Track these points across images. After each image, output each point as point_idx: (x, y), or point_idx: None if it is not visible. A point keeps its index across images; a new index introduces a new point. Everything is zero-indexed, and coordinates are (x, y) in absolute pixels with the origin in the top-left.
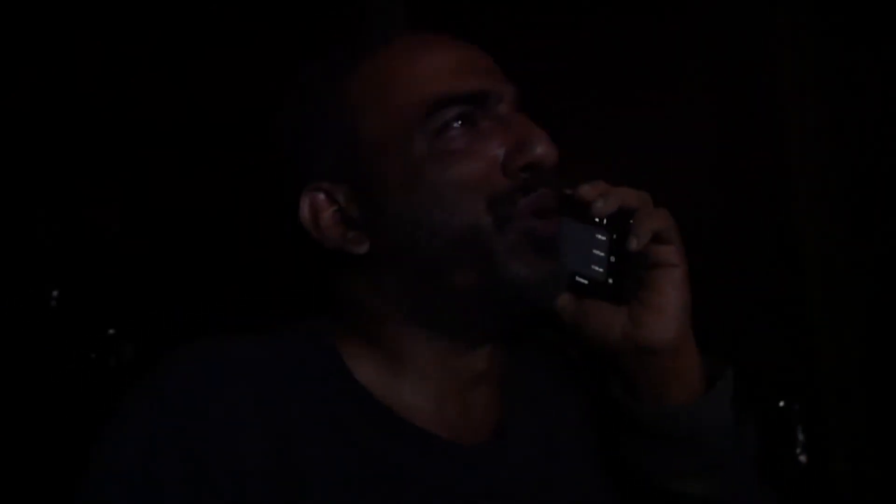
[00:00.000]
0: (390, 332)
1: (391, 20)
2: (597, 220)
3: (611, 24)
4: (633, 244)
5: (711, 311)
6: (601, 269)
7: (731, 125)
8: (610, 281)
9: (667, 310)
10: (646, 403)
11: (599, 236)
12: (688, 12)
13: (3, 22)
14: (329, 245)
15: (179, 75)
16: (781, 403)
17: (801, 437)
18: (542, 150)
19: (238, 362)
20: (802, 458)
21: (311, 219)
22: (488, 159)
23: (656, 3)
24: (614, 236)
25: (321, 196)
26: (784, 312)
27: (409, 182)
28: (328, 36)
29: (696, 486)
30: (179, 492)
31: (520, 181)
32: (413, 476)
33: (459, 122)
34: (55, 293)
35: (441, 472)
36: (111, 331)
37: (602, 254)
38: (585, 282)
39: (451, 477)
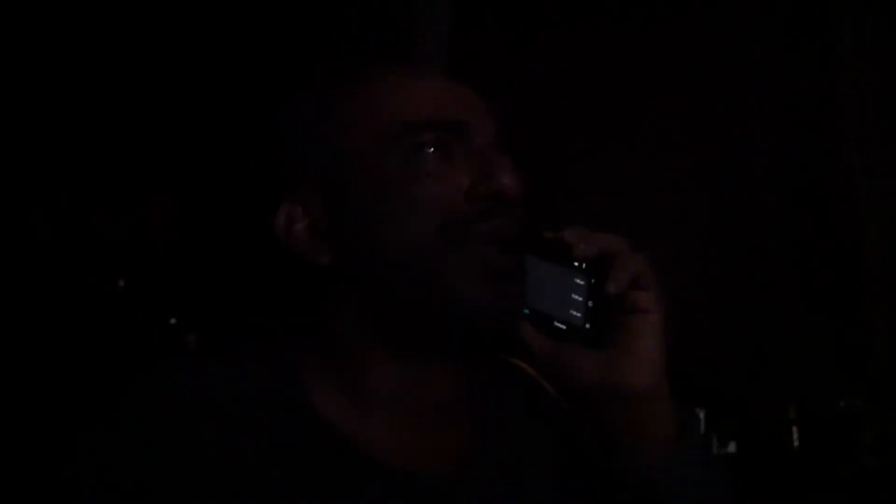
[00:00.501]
0: (353, 353)
1: (437, 22)
2: (576, 264)
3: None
4: (612, 288)
5: (774, 313)
6: (579, 314)
7: (793, 126)
8: (587, 326)
9: (644, 355)
10: (621, 450)
11: (578, 281)
12: (749, 15)
13: (3, 22)
14: (296, 253)
15: (179, 75)
16: (841, 403)
17: (866, 438)
18: (506, 180)
19: (201, 394)
20: (869, 461)
21: (284, 227)
22: (453, 185)
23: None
24: (593, 280)
25: (298, 207)
26: (845, 312)
27: (374, 196)
28: (325, 63)
29: None
30: None
31: (480, 208)
32: None
33: (433, 148)
34: (121, 283)
35: None
36: (173, 321)
37: (580, 298)
38: (563, 327)
39: None
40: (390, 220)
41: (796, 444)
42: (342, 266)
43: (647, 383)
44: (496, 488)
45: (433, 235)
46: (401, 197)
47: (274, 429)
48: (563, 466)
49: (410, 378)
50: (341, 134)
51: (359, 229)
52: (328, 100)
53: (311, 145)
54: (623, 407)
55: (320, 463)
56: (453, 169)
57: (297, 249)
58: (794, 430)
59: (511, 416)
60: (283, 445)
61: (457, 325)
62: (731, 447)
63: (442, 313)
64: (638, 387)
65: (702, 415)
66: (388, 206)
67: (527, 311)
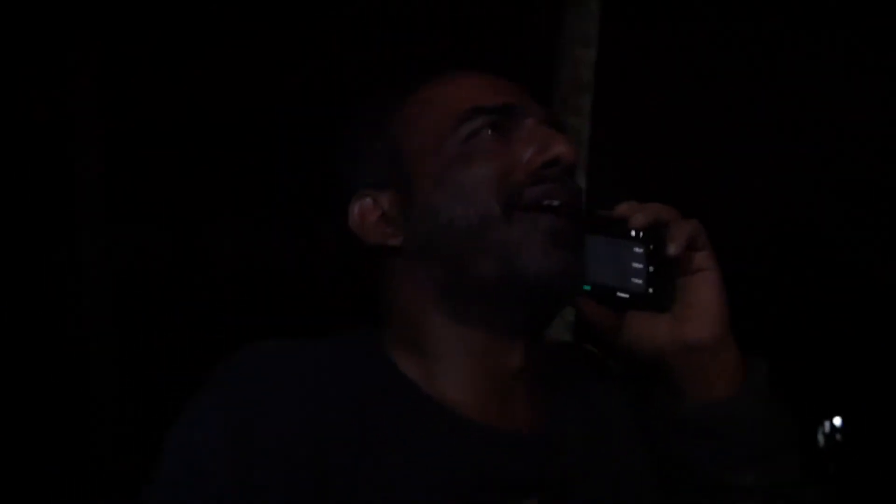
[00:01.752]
0: (426, 328)
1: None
2: (633, 234)
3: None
4: (672, 249)
5: None
6: (640, 281)
7: None
8: (650, 291)
9: (710, 309)
10: (690, 400)
11: (637, 249)
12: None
13: (3, 22)
14: (371, 241)
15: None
16: None
17: None
18: (560, 149)
19: (292, 363)
20: None
21: (359, 221)
22: (511, 160)
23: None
24: (651, 247)
25: (368, 201)
26: None
27: (437, 179)
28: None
29: (745, 477)
30: (229, 483)
31: (536, 177)
32: (464, 465)
33: (490, 130)
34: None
35: (493, 460)
36: None
37: (640, 266)
38: (627, 296)
39: (502, 465)
40: (455, 201)
41: None
42: (412, 247)
43: (713, 335)
44: (578, 446)
45: (493, 208)
46: (463, 178)
47: (365, 392)
48: (637, 431)
49: (482, 347)
50: (402, 136)
51: (426, 213)
52: (385, 109)
53: (374, 149)
54: (692, 360)
55: (409, 416)
56: (509, 146)
57: (372, 237)
58: None
59: (581, 384)
60: (375, 406)
61: (522, 293)
62: None
63: (508, 282)
64: (705, 339)
65: None
66: (452, 188)
67: (587, 287)
